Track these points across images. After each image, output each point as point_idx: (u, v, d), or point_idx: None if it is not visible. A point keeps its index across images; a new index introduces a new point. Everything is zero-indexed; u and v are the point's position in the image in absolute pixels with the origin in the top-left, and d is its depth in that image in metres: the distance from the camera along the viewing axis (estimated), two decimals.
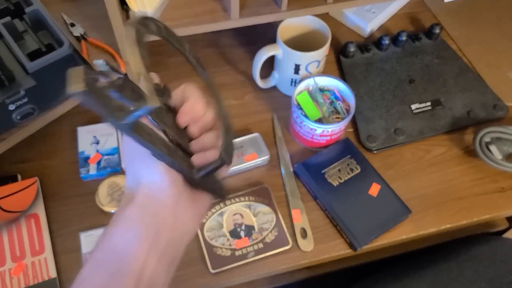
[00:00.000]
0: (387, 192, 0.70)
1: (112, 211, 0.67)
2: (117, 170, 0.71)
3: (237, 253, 0.66)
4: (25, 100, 0.62)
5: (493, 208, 0.71)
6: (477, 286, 0.63)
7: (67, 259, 0.65)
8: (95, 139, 0.74)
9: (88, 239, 0.65)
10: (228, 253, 0.66)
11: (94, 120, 0.77)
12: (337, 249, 0.67)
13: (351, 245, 0.67)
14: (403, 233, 0.69)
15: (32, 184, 0.69)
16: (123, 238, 0.37)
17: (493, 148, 0.73)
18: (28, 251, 0.64)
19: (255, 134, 0.76)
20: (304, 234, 0.68)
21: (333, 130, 0.71)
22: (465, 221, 0.70)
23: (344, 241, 0.68)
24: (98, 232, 0.66)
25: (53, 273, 0.63)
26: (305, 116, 0.73)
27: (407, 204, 0.69)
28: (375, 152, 0.76)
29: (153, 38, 0.40)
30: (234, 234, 0.67)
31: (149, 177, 0.39)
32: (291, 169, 0.74)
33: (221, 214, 0.69)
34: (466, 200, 0.72)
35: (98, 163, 0.71)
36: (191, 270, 0.66)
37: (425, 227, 0.69)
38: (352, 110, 0.72)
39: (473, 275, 0.66)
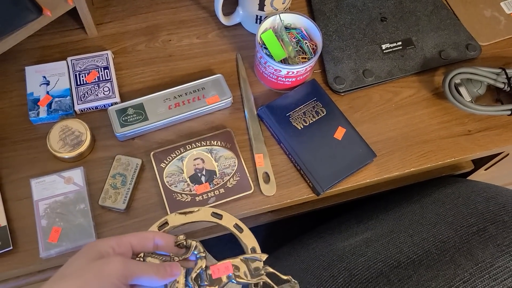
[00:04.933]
0: (352, 135, 0.68)
1: (66, 156, 0.63)
2: (70, 112, 0.67)
3: (197, 198, 0.64)
4: None
5: (458, 151, 0.70)
6: (437, 229, 0.63)
7: (18, 206, 0.62)
8: (44, 79, 0.68)
9: (39, 186, 0.61)
10: (188, 198, 0.64)
11: (43, 59, 0.71)
12: (300, 194, 0.66)
13: (314, 190, 0.66)
14: (367, 177, 0.68)
15: None
16: None
17: (462, 90, 0.71)
18: None
19: (218, 75, 0.72)
20: (266, 178, 0.67)
21: (298, 71, 0.68)
22: (429, 165, 0.69)
23: (307, 185, 0.67)
24: (49, 178, 0.62)
25: (3, 221, 0.59)
26: (270, 56, 0.69)
27: (372, 148, 0.68)
28: (342, 94, 0.73)
29: None
30: (195, 179, 0.65)
31: None
32: (255, 112, 0.71)
33: (181, 159, 0.66)
34: (431, 143, 0.71)
35: (49, 105, 0.67)
36: (150, 216, 0.64)
37: (389, 170, 0.68)
38: (319, 50, 0.69)
39: (434, 218, 0.66)
